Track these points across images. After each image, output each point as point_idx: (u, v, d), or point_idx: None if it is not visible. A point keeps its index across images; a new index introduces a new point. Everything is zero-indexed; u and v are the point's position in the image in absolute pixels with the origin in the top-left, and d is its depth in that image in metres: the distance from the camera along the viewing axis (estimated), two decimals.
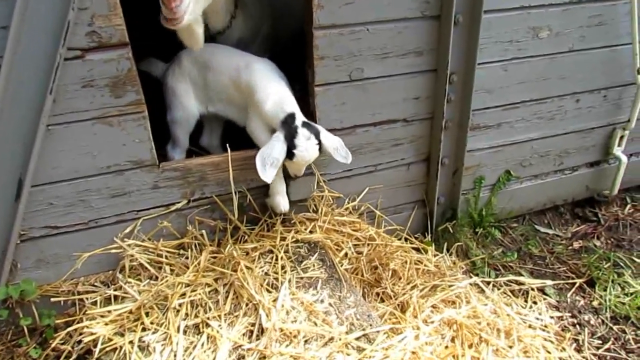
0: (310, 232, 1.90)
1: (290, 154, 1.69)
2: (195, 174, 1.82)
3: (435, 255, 2.19)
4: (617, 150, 2.59)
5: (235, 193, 1.86)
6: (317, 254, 1.79)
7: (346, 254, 1.93)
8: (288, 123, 1.71)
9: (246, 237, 1.90)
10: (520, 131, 2.33)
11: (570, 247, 2.51)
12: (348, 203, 2.09)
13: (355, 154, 2.03)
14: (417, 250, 2.19)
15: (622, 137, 2.57)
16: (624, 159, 2.58)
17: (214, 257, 1.80)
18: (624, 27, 2.25)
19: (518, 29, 2.05)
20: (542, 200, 2.60)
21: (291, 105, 1.76)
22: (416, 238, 2.29)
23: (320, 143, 1.74)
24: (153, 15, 1.55)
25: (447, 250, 2.29)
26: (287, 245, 1.79)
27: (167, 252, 1.83)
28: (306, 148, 1.69)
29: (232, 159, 1.84)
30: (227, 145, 1.83)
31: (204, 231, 1.86)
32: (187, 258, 1.82)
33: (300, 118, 1.74)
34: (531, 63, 2.16)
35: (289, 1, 2.36)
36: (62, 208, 1.70)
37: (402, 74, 1.95)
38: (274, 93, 1.78)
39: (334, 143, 1.79)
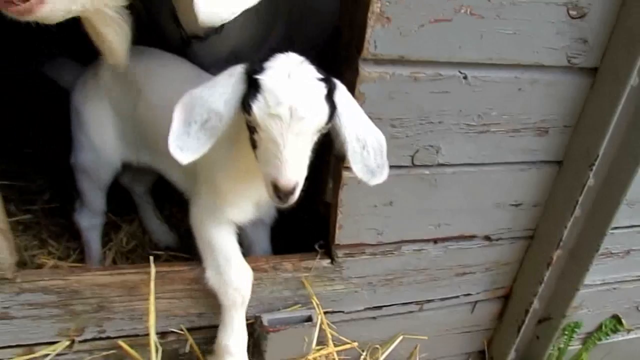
0: None
1: (247, 104, 0.74)
2: (88, 299, 0.94)
3: None
4: None
5: (158, 335, 0.98)
6: None
7: None
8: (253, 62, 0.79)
9: None
10: None
11: None
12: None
13: (393, 283, 1.16)
14: None
15: None
16: None
17: None
18: None
19: None
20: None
21: None
22: None
23: (331, 100, 0.77)
24: None
25: None
26: None
27: None
28: (282, 85, 0.74)
29: (162, 277, 0.97)
30: (151, 256, 0.95)
31: None
32: None
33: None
34: None
35: None
36: None
37: (505, 163, 1.06)
38: None
39: (359, 128, 0.82)
